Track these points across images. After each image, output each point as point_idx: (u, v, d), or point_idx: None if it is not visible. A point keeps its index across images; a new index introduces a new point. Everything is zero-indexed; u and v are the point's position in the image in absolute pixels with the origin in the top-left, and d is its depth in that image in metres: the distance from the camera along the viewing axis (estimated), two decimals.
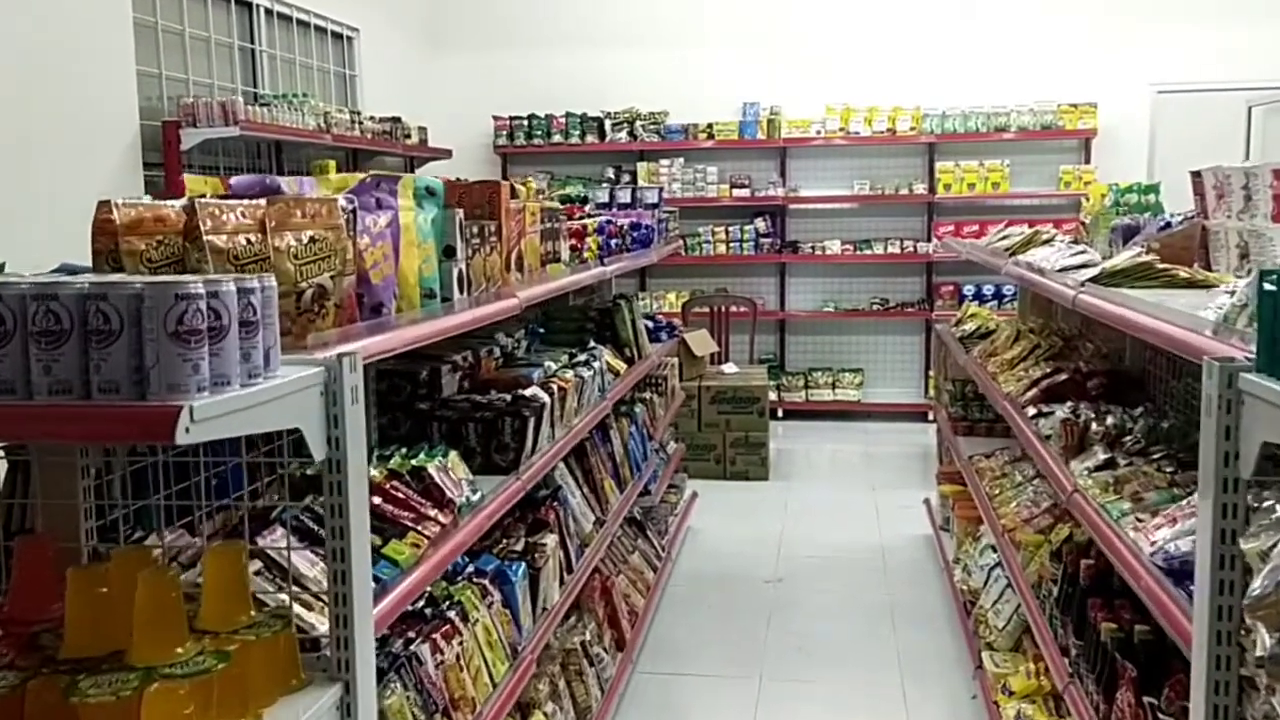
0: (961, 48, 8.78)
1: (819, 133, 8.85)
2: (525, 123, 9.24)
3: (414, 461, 2.40)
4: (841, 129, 8.81)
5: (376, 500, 2.26)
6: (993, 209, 8.93)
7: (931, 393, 8.85)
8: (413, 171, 8.91)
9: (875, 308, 9.08)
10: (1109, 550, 2.32)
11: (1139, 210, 4.58)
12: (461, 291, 2.42)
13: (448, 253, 2.35)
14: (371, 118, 7.45)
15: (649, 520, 5.13)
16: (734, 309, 8.70)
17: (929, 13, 8.83)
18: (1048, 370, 3.59)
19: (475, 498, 2.51)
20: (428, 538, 2.22)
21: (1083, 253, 3.14)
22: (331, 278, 1.76)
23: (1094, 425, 2.78)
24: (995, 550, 4.26)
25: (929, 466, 7.62)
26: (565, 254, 3.46)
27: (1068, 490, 2.64)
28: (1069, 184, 8.62)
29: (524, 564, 2.97)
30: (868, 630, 4.72)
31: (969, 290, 8.85)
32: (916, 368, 9.26)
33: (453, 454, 2.53)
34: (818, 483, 7.20)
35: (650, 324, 5.57)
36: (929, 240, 8.93)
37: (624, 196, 5.31)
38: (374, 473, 2.34)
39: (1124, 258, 2.77)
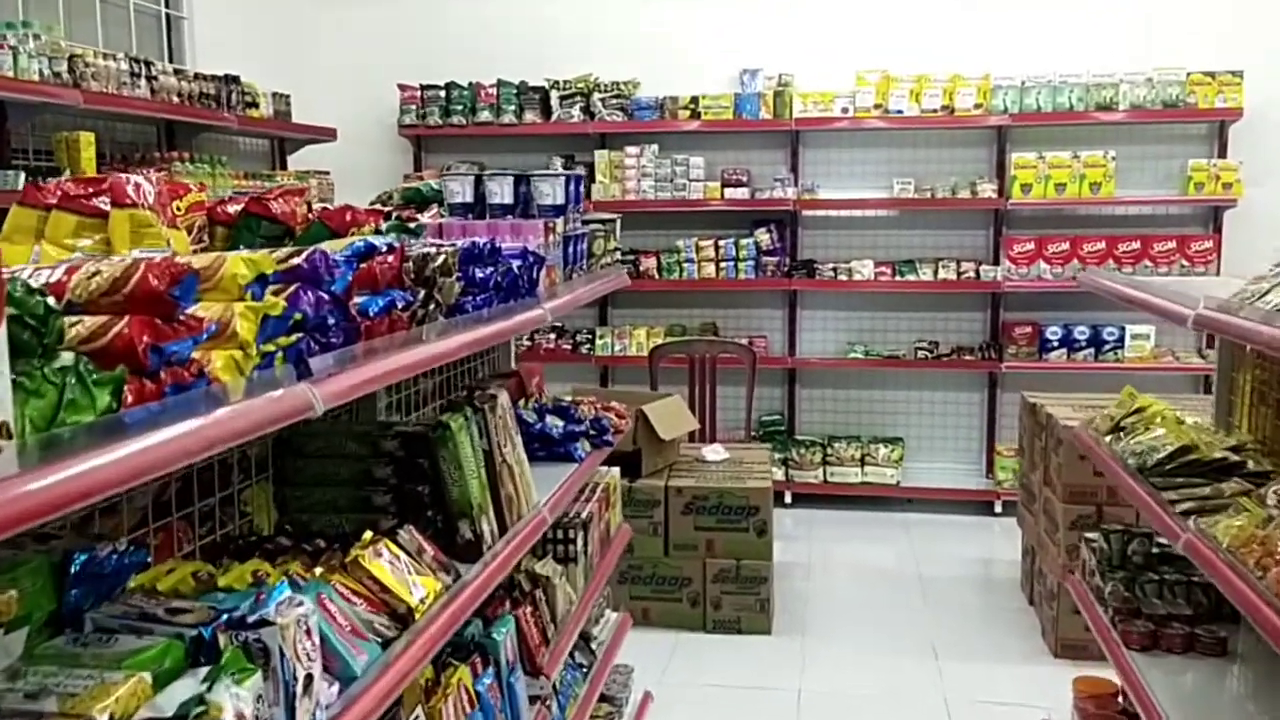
0: None
1: (845, 111, 6.34)
2: (442, 94, 6.72)
3: None
4: (877, 106, 6.30)
5: None
6: (1088, 220, 6.44)
7: (999, 474, 6.37)
8: (284, 161, 6.40)
9: (921, 355, 6.55)
10: None
11: None
12: None
13: None
14: (180, 72, 4.93)
15: None
16: (723, 355, 6.17)
17: None
18: None
19: None
20: None
21: None
22: None
23: None
24: None
25: (1004, 600, 5.12)
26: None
27: None
28: (1201, 185, 6.10)
29: None
30: None
31: (1053, 333, 6.34)
32: (977, 438, 6.73)
33: None
34: (846, 641, 4.66)
35: (560, 425, 3.06)
36: (996, 262, 6.42)
37: (504, 195, 2.82)
38: None
39: None
